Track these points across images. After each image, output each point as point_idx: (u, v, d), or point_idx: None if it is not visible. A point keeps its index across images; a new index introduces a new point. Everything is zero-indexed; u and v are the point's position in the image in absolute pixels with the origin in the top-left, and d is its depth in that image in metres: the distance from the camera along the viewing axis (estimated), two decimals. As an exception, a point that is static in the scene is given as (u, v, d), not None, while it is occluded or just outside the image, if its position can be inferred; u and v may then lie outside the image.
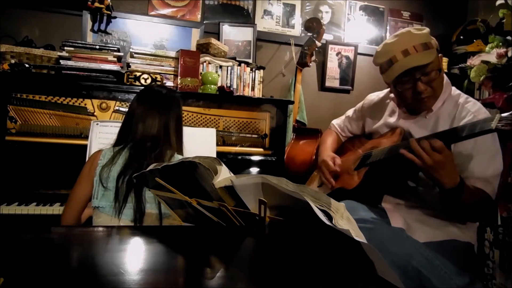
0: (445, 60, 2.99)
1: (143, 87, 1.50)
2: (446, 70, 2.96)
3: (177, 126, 1.39)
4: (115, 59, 2.13)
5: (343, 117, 1.79)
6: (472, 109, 1.30)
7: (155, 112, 1.34)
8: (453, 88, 1.41)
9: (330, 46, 2.98)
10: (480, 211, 1.29)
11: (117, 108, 2.03)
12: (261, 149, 2.25)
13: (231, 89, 2.38)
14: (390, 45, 1.34)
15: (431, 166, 1.14)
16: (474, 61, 2.21)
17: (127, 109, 2.01)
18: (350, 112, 1.75)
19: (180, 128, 1.42)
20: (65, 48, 2.07)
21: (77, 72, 2.03)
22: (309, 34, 2.62)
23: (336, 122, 1.81)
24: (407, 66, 1.29)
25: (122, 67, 2.18)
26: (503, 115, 1.02)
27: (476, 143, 1.24)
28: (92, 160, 1.33)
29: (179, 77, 2.18)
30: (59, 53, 2.07)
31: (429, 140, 1.14)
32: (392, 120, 1.48)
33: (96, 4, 2.34)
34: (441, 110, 1.36)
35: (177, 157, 1.34)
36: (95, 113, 2.01)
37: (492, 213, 1.94)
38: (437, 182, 1.17)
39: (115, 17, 2.48)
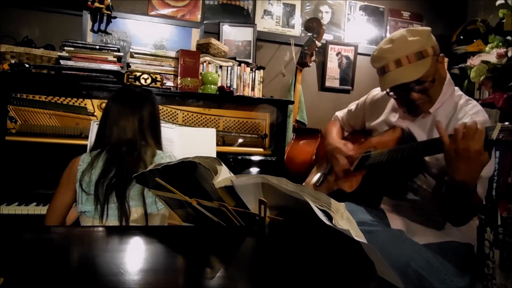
0: (445, 60, 2.98)
1: (120, 87, 1.50)
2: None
3: (151, 123, 1.38)
4: (115, 59, 2.13)
5: (345, 110, 1.78)
6: (470, 112, 1.28)
7: (128, 112, 1.34)
8: (456, 88, 1.38)
9: (330, 46, 2.98)
10: (471, 215, 1.26)
11: (117, 108, 2.03)
12: (261, 149, 2.25)
13: (231, 89, 2.38)
14: (384, 51, 1.31)
15: (456, 151, 1.05)
16: (474, 61, 2.21)
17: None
18: (352, 106, 1.73)
19: (156, 125, 1.41)
20: (65, 48, 2.07)
21: (77, 72, 2.03)
22: (309, 34, 2.62)
23: (339, 114, 1.80)
24: (397, 82, 1.27)
25: (122, 67, 2.18)
26: (503, 125, 0.99)
27: None
28: (71, 167, 1.33)
29: (179, 77, 2.18)
30: (59, 53, 2.07)
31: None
32: (392, 118, 1.47)
33: (96, 4, 2.34)
34: (439, 111, 1.34)
35: (159, 154, 1.35)
36: (95, 113, 2.00)
37: (492, 213, 1.95)
38: (453, 174, 1.09)
39: (115, 17, 2.48)
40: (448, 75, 1.38)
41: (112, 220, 1.24)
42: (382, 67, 1.31)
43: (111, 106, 1.36)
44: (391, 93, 1.36)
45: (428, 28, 1.31)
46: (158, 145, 1.41)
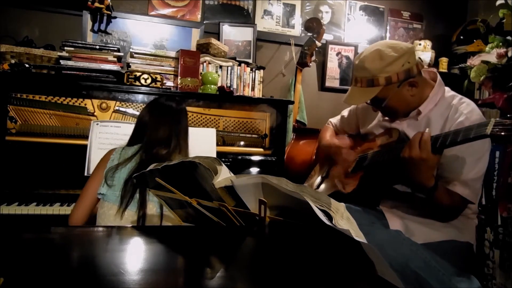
0: (445, 60, 2.99)
1: (152, 99, 1.58)
2: (446, 70, 2.96)
3: (185, 136, 1.47)
4: (115, 59, 2.13)
5: (338, 116, 1.79)
6: (465, 111, 1.28)
7: (167, 124, 1.42)
8: (447, 89, 1.39)
9: (330, 46, 2.98)
10: (451, 213, 1.31)
11: (117, 108, 2.03)
12: (261, 149, 2.25)
13: (231, 89, 2.38)
14: (356, 63, 1.38)
15: (406, 159, 1.16)
16: (474, 61, 2.21)
17: (127, 109, 2.02)
18: (345, 112, 1.74)
19: (187, 136, 1.49)
20: (65, 48, 2.07)
21: (77, 72, 2.03)
22: (309, 34, 2.62)
23: (333, 121, 1.82)
24: (345, 101, 1.41)
25: (122, 67, 2.18)
26: (497, 119, 1.00)
27: (464, 144, 1.19)
28: (106, 156, 1.39)
29: (179, 77, 2.18)
30: (59, 53, 2.07)
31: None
32: (386, 120, 1.47)
33: (96, 4, 2.34)
34: (433, 112, 1.34)
35: None
36: (95, 113, 2.00)
37: (492, 213, 1.95)
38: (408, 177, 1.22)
39: (115, 17, 2.48)
40: (438, 76, 1.38)
41: (130, 210, 1.28)
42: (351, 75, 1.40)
43: (149, 117, 1.43)
44: None
45: (402, 52, 1.27)
46: (186, 154, 1.47)
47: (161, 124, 1.41)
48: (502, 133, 0.97)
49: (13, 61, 1.96)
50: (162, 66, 2.26)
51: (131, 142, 1.43)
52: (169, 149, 1.38)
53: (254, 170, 2.15)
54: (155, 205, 1.31)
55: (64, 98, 1.97)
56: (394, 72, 1.27)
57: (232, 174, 0.70)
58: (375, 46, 1.33)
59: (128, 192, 1.29)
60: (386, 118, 1.47)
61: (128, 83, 2.07)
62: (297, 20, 2.94)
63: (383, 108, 1.37)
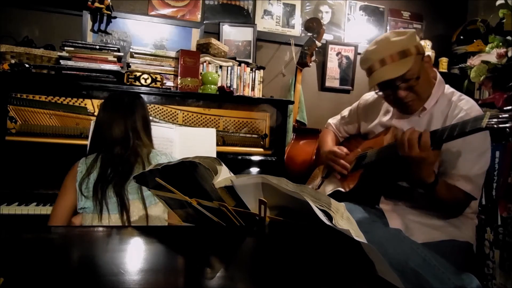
0: (445, 60, 2.99)
1: (108, 96, 1.57)
2: (446, 70, 2.96)
3: (144, 126, 1.45)
4: (115, 59, 2.13)
5: (338, 116, 1.78)
6: (464, 107, 1.29)
7: (120, 118, 1.39)
8: (447, 86, 1.40)
9: (330, 46, 2.98)
10: (455, 209, 1.32)
11: (117, 108, 2.02)
12: (261, 149, 2.25)
13: (231, 89, 2.38)
14: (369, 53, 1.35)
15: (407, 158, 1.16)
16: (474, 61, 2.21)
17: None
18: (345, 112, 1.74)
19: (149, 127, 1.48)
20: (65, 48, 2.07)
21: (77, 72, 2.03)
22: (309, 34, 2.62)
23: (332, 121, 1.81)
24: (382, 78, 1.30)
25: (122, 67, 2.18)
26: (493, 113, 1.01)
27: (465, 140, 1.20)
28: (71, 171, 1.37)
29: (179, 77, 2.18)
30: (59, 53, 2.07)
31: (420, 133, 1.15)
32: (386, 119, 1.48)
33: (96, 4, 2.34)
34: (434, 109, 1.36)
35: (154, 151, 1.41)
36: (95, 113, 2.00)
37: (492, 213, 1.95)
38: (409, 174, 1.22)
39: (115, 17, 2.48)
40: (438, 74, 1.39)
41: (113, 214, 1.28)
42: (368, 67, 1.35)
43: (102, 115, 1.42)
44: (380, 93, 1.40)
45: (413, 30, 1.33)
46: (152, 144, 1.46)
47: (115, 119, 1.39)
48: (498, 126, 0.98)
49: (13, 61, 1.96)
50: (162, 66, 2.26)
51: (91, 150, 1.41)
52: (129, 145, 1.36)
53: (254, 170, 2.15)
54: (140, 203, 1.31)
55: (64, 98, 1.97)
56: (418, 43, 1.30)
57: (232, 174, 0.70)
58: (380, 36, 1.36)
59: (99, 197, 1.28)
60: (387, 117, 1.47)
61: (128, 83, 2.07)
62: (297, 20, 2.94)
63: (409, 88, 1.32)
